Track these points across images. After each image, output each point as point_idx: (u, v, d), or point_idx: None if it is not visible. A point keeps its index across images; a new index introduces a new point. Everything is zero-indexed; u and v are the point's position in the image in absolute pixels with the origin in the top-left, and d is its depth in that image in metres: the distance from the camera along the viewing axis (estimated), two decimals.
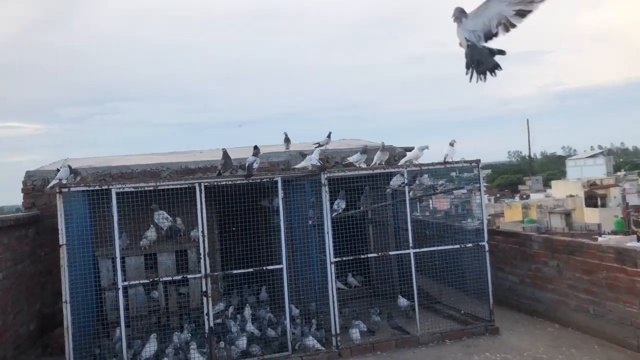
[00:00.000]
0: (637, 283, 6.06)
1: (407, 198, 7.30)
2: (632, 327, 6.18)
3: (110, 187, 6.43)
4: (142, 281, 7.11)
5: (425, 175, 7.91)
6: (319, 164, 7.31)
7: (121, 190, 6.44)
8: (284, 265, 6.85)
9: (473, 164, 7.55)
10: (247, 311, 7.52)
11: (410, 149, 9.10)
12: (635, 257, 6.11)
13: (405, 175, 7.30)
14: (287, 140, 9.30)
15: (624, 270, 6.23)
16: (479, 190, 7.65)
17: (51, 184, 7.03)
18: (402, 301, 7.70)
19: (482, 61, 4.09)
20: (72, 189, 6.48)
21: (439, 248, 7.64)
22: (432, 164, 7.54)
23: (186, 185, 6.68)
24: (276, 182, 6.86)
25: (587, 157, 72.63)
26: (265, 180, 7.04)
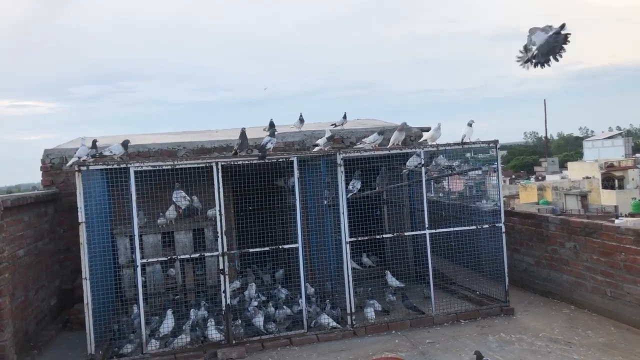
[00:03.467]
0: None
1: (424, 178, 7.28)
2: None
3: (129, 165, 6.48)
4: (159, 259, 7.22)
5: (442, 156, 7.86)
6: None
7: (139, 169, 6.49)
8: (299, 245, 6.88)
9: (491, 145, 7.49)
10: (252, 289, 7.58)
11: (426, 129, 9.04)
12: None
13: (422, 156, 7.26)
14: (301, 120, 9.29)
15: None
16: (496, 171, 7.59)
17: (70, 162, 7.10)
18: (392, 280, 7.73)
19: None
20: (91, 168, 6.54)
21: (456, 229, 7.61)
22: (450, 144, 7.47)
23: (203, 165, 6.72)
24: (292, 162, 6.87)
25: (605, 138, 71.71)
26: (281, 160, 7.05)
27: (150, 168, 6.56)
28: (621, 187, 48.26)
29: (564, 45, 4.72)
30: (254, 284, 7.75)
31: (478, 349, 5.60)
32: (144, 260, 6.84)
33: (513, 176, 66.36)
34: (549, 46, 4.70)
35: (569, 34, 4.69)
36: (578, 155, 73.66)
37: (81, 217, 6.37)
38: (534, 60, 4.79)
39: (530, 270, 8.22)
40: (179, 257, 7.27)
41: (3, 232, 6.15)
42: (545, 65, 4.87)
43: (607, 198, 46.71)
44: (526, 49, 4.75)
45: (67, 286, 8.60)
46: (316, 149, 7.65)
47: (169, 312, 6.82)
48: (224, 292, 6.59)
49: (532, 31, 4.87)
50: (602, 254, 6.78)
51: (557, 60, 4.81)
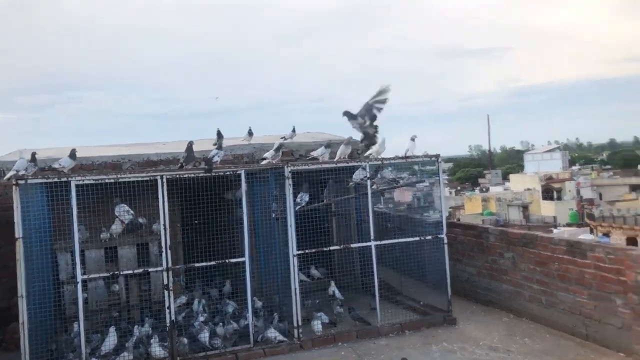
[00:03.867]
0: (586, 274, 6.33)
1: (369, 191, 7.41)
2: (580, 316, 6.46)
3: (70, 179, 6.32)
4: (101, 274, 7.03)
5: (387, 169, 8.04)
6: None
7: (81, 182, 6.34)
8: (246, 258, 6.87)
9: (433, 158, 7.71)
10: (201, 304, 7.52)
11: None
12: (585, 249, 6.38)
13: (367, 169, 7.40)
14: (250, 133, 9.30)
15: (574, 261, 6.50)
16: (439, 184, 7.82)
17: (7, 176, 6.84)
18: (336, 292, 7.85)
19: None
20: (30, 181, 6.33)
21: (400, 240, 7.77)
22: (394, 158, 7.66)
23: (148, 178, 6.62)
24: (239, 175, 6.86)
25: (544, 151, 74.64)
26: (228, 173, 7.03)
27: (92, 182, 6.42)
28: (559, 198, 50.39)
29: (376, 134, 7.70)
30: (200, 299, 7.66)
31: (422, 358, 5.73)
32: (85, 277, 6.66)
33: (459, 188, 68.10)
34: (368, 134, 7.63)
35: (377, 125, 7.78)
36: (519, 167, 76.40)
37: (18, 232, 6.16)
38: (365, 142, 7.74)
39: (472, 280, 8.48)
40: (121, 273, 7.10)
41: None
42: (368, 148, 7.76)
43: (547, 209, 48.63)
44: (359, 122, 7.86)
45: (3, 304, 8.24)
46: (264, 162, 7.68)
47: (112, 329, 6.65)
48: (168, 308, 6.49)
49: (347, 114, 7.85)
50: (538, 263, 7.08)
51: (370, 148, 7.75)
